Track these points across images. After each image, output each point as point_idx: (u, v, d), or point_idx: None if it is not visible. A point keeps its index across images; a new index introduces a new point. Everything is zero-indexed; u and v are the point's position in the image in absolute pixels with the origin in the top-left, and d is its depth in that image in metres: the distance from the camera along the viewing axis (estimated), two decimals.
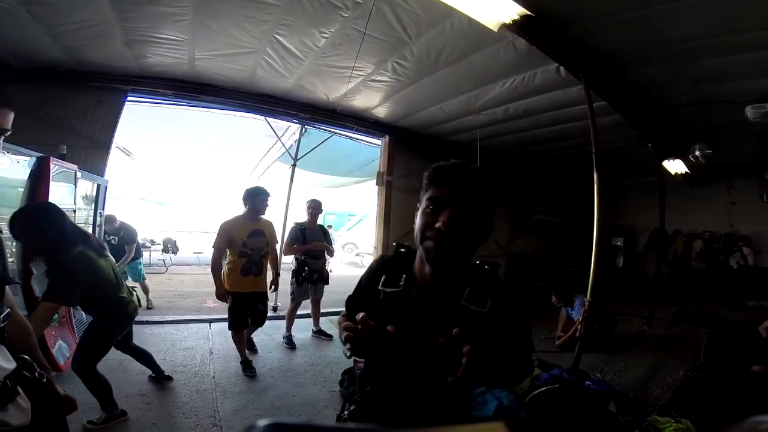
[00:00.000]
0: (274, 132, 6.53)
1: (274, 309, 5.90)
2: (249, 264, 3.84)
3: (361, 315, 0.96)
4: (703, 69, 3.79)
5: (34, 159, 3.45)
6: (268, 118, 6.13)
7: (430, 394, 1.04)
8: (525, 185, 8.72)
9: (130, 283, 6.11)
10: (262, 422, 0.30)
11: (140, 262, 6.42)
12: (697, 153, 5.57)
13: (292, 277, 4.82)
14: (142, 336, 4.78)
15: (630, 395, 3.48)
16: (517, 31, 3.19)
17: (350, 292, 1.34)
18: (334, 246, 5.21)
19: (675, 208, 6.91)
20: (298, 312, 4.97)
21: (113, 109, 5.12)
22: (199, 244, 10.82)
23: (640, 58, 3.75)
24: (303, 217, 5.01)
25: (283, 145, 6.88)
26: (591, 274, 3.92)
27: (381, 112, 5.94)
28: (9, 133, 0.97)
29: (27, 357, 1.09)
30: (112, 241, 5.88)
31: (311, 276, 4.82)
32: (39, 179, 3.43)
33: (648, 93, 4.48)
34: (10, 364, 1.01)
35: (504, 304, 1.07)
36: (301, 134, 6.52)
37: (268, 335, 4.97)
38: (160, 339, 4.79)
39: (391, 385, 1.10)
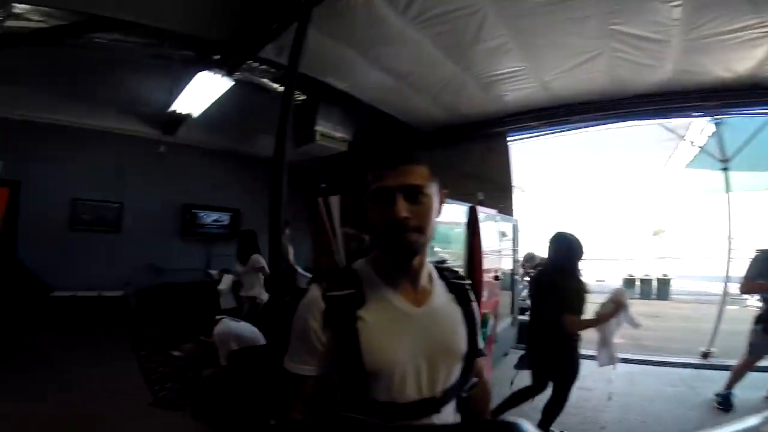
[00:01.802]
0: (673, 132, 4.98)
1: (705, 355, 4.55)
2: None
3: None
4: None
5: (466, 207, 3.92)
6: (657, 121, 4.76)
7: None
8: None
9: None
10: None
11: None
12: None
13: (757, 323, 3.44)
14: None
15: None
16: None
17: None
18: None
19: None
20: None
21: (502, 152, 5.57)
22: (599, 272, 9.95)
23: None
24: None
25: (694, 145, 5.10)
26: None
27: None
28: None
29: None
30: (531, 274, 6.49)
31: None
32: (472, 223, 3.90)
33: None
34: None
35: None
36: (716, 127, 4.62)
37: (690, 387, 3.86)
38: None
39: None
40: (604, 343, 2.60)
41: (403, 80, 4.18)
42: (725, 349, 4.22)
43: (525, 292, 6.36)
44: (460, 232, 3.65)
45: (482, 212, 3.94)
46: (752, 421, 0.72)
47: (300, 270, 5.50)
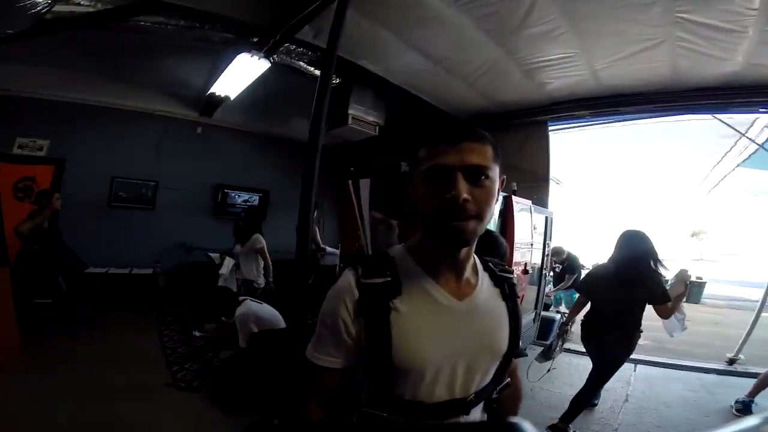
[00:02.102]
0: (733, 128, 4.62)
1: (731, 362, 4.43)
2: None
3: None
4: None
5: (501, 197, 3.96)
6: (717, 115, 4.42)
7: None
8: None
9: (562, 308, 6.40)
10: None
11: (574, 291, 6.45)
12: None
13: None
14: (556, 361, 4.73)
15: None
16: None
17: None
18: None
19: None
20: None
21: (540, 141, 5.35)
22: None
23: None
24: None
25: (754, 142, 4.72)
26: None
27: None
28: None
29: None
30: (557, 269, 6.42)
31: None
32: (507, 213, 3.92)
33: None
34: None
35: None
36: None
37: (710, 393, 3.80)
38: (574, 369, 4.50)
39: None
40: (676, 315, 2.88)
41: (440, 64, 4.03)
42: (755, 357, 4.11)
43: (549, 287, 6.24)
44: (493, 221, 3.57)
45: (517, 202, 3.83)
46: (752, 421, 0.70)
47: (329, 249, 5.49)
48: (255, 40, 3.71)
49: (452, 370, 0.82)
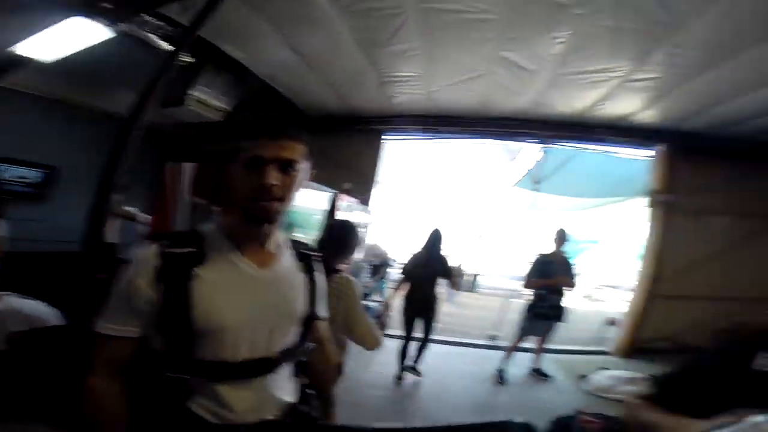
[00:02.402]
0: (510, 155, 6.13)
1: (492, 338, 5.62)
2: None
3: None
4: None
5: (330, 194, 4.09)
6: (504, 141, 5.79)
7: None
8: None
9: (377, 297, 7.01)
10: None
11: (384, 282, 7.23)
12: None
13: (528, 311, 4.37)
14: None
15: None
16: None
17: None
18: (575, 279, 4.46)
19: None
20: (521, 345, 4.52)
21: (376, 148, 5.86)
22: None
23: None
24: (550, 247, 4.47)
25: (523, 168, 6.36)
26: None
27: (648, 116, 4.67)
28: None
29: (313, 392, 1.11)
30: (373, 263, 6.90)
31: (547, 313, 4.31)
32: (333, 213, 4.04)
33: None
34: (292, 399, 1.02)
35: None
36: (542, 154, 5.85)
37: (477, 365, 4.71)
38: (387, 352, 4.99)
39: None
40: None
41: (309, 63, 4.11)
42: (509, 334, 4.95)
43: (367, 279, 6.78)
44: (320, 218, 3.76)
45: (344, 201, 4.19)
46: (752, 420, 0.72)
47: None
48: (105, 5, 3.01)
49: (253, 331, 0.90)
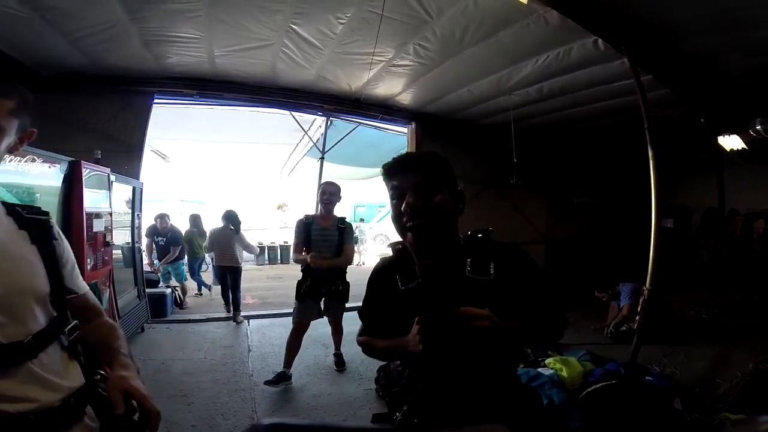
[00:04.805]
0: (300, 126, 6.45)
1: None
2: None
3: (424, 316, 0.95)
4: (761, 39, 3.34)
5: (66, 164, 3.43)
6: (293, 113, 6.04)
7: (479, 380, 1.05)
8: (564, 167, 8.19)
9: (172, 282, 6.39)
10: (266, 421, 0.42)
11: (183, 264, 6.69)
12: (757, 127, 4.98)
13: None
14: (183, 334, 4.95)
15: (695, 391, 3.17)
16: (549, 3, 2.93)
17: None
18: (359, 242, 4.85)
19: (730, 187, 6.30)
20: None
21: (141, 112, 5.19)
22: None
23: (689, 28, 3.35)
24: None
25: (311, 138, 6.79)
26: (650, 261, 3.57)
27: (405, 98, 5.71)
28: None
29: (105, 371, 0.99)
30: (161, 242, 6.41)
31: (317, 291, 3.63)
32: (73, 184, 3.44)
33: (698, 65, 4.01)
34: (76, 382, 0.92)
35: (508, 265, 1.10)
36: (326, 126, 6.40)
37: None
38: (200, 337, 4.86)
39: (445, 378, 1.09)
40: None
41: (42, 14, 3.35)
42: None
43: (157, 263, 6.43)
44: (56, 188, 3.34)
45: (89, 168, 3.68)
46: (752, 420, 0.71)
47: None
48: None
49: None
